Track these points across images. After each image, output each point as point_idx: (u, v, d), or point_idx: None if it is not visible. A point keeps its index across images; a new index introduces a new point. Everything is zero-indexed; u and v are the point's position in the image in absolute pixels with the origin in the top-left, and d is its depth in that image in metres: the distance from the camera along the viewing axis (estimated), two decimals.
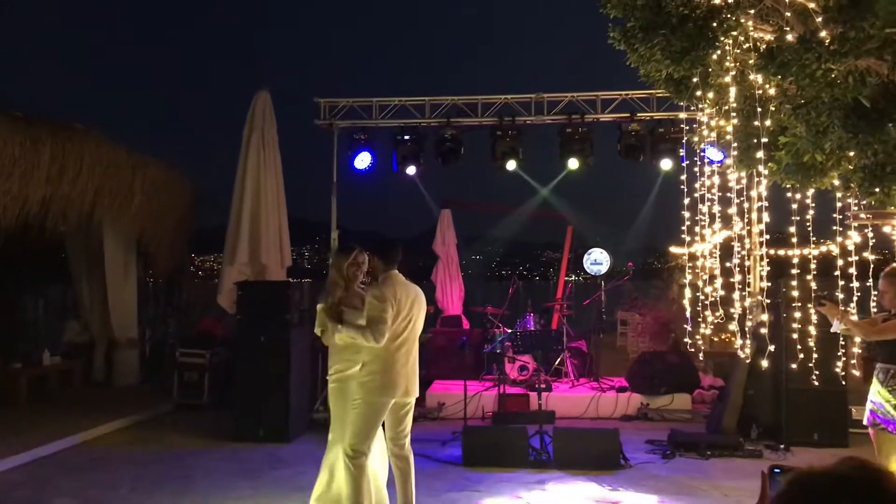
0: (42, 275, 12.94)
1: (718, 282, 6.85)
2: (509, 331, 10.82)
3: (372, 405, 5.06)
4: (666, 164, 10.48)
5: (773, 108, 5.56)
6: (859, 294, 6.23)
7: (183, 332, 12.02)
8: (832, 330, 5.69)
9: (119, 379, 11.62)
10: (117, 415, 9.19)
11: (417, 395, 5.32)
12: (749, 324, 7.85)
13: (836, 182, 5.78)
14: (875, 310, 5.87)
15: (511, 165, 10.82)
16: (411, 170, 11.03)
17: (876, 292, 6.54)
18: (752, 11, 5.04)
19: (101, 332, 11.87)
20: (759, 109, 5.54)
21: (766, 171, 5.75)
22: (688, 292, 7.44)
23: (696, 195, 7.18)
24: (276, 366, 8.33)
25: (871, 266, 6.39)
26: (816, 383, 7.26)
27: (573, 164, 10.64)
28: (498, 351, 10.31)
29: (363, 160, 11.01)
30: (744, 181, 6.74)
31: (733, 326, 6.82)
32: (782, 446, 7.79)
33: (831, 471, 1.14)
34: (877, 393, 5.13)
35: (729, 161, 6.35)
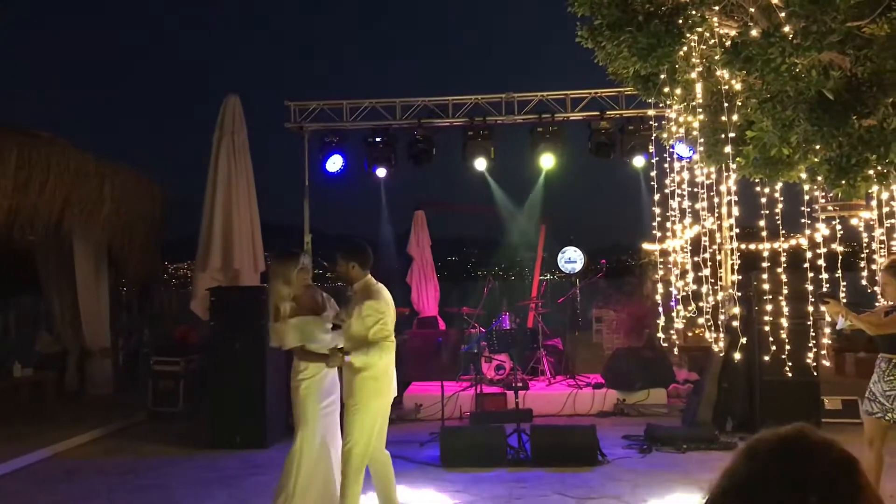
0: (11, 286, 12.75)
1: (690, 276, 6.91)
2: (485, 330, 10.85)
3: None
4: (636, 162, 10.56)
5: (740, 103, 5.62)
6: (828, 286, 6.31)
7: (156, 340, 11.90)
8: (838, 327, 5.78)
9: (92, 389, 11.47)
10: (91, 425, 9.08)
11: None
12: (722, 317, 7.93)
13: (804, 175, 5.85)
14: (879, 303, 5.97)
15: (481, 165, 10.83)
16: (382, 172, 11.00)
17: (845, 283, 6.65)
18: (717, 7, 5.08)
19: (73, 341, 11.72)
20: (725, 104, 5.59)
21: (734, 166, 5.80)
22: (660, 287, 7.49)
23: (667, 191, 7.24)
24: (251, 372, 8.27)
25: (840, 258, 6.49)
26: (789, 374, 7.34)
27: (547, 161, 10.67)
28: (474, 351, 10.32)
29: (335, 163, 10.97)
30: (713, 176, 6.80)
31: (703, 320, 6.87)
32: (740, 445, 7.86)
33: (775, 435, 1.25)
34: (875, 383, 5.27)
35: (697, 157, 6.41)
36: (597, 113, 10.67)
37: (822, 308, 5.94)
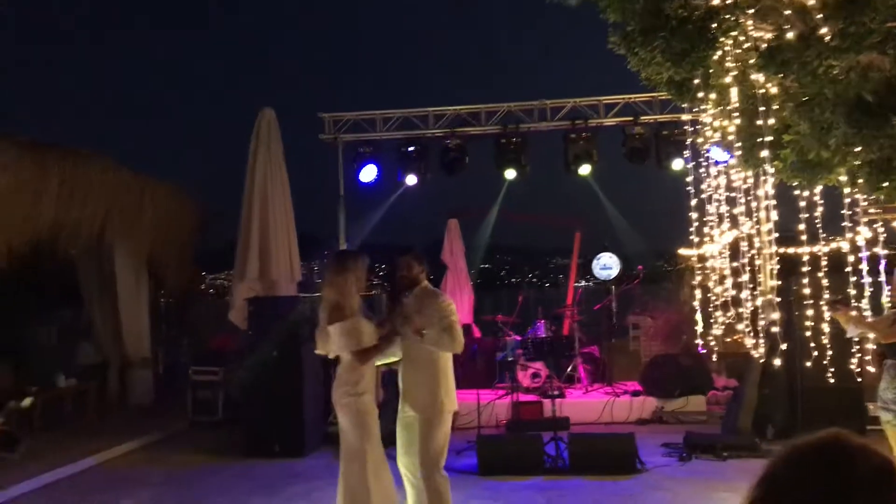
0: (54, 298, 13.00)
1: (729, 282, 6.84)
2: (520, 338, 10.82)
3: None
4: (671, 167, 10.47)
5: (776, 107, 5.55)
6: (872, 289, 6.20)
7: (195, 350, 12.04)
8: (847, 335, 5.66)
9: (133, 399, 11.65)
10: (133, 435, 9.21)
11: None
12: (761, 323, 7.82)
13: (843, 178, 5.76)
14: (889, 305, 5.84)
15: (513, 174, 10.81)
16: (415, 180, 11.03)
17: (889, 287, 6.53)
18: (751, 11, 5.04)
19: (114, 352, 11.91)
20: (761, 109, 5.52)
21: (771, 170, 5.74)
22: (698, 293, 7.42)
23: (703, 196, 7.17)
24: (289, 380, 8.35)
25: (883, 261, 6.37)
26: (832, 380, 7.22)
27: (584, 169, 10.62)
28: (510, 359, 10.30)
29: (368, 173, 11.04)
30: (750, 180, 6.73)
31: (742, 326, 6.79)
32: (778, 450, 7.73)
33: (814, 440, 1.26)
34: (885, 389, 5.13)
35: (734, 161, 6.34)
36: (630, 118, 10.62)
37: (833, 315, 5.83)
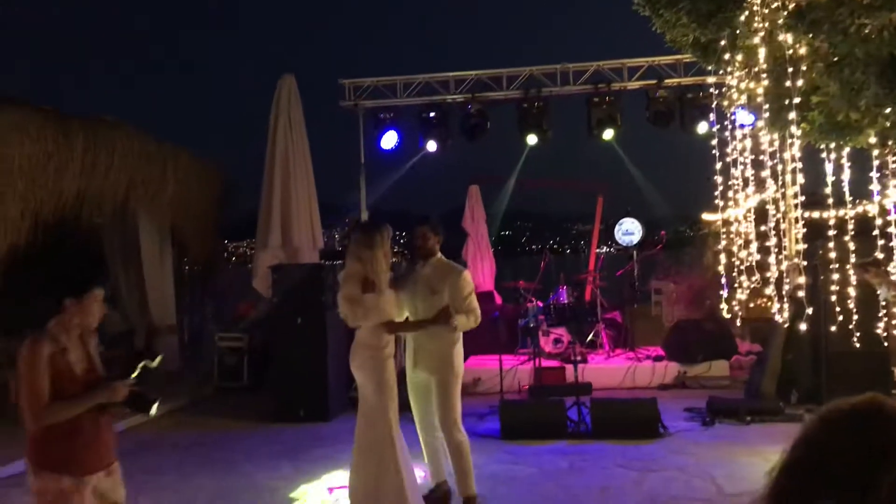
0: (80, 267, 13.16)
1: (754, 246, 6.78)
2: (542, 304, 10.82)
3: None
4: (696, 130, 10.34)
5: (805, 68, 5.46)
6: None
7: (220, 317, 12.17)
8: (881, 297, 5.60)
9: (160, 365, 11.79)
10: (160, 400, 9.32)
11: None
12: (786, 287, 7.77)
13: (873, 140, 5.68)
14: None
15: (534, 139, 10.73)
16: (436, 147, 10.97)
17: None
18: None
19: (140, 320, 12.05)
20: (789, 70, 5.44)
21: (798, 133, 5.66)
22: (723, 258, 7.37)
23: (728, 160, 7.09)
24: (313, 347, 8.42)
25: None
26: (857, 345, 7.17)
27: (608, 134, 10.52)
28: (532, 325, 10.32)
29: (390, 140, 11.00)
30: (776, 143, 6.64)
31: (770, 291, 6.74)
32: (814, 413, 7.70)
33: (850, 403, 1.26)
34: None
35: (760, 124, 6.25)
36: (654, 82, 10.47)
37: (865, 277, 5.76)
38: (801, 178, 6.41)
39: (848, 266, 6.95)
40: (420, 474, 5.50)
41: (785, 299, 6.90)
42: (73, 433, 3.29)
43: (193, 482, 6.40)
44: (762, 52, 5.61)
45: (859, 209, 7.60)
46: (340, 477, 6.13)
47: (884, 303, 6.58)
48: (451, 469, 5.35)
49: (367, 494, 4.92)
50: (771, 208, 6.78)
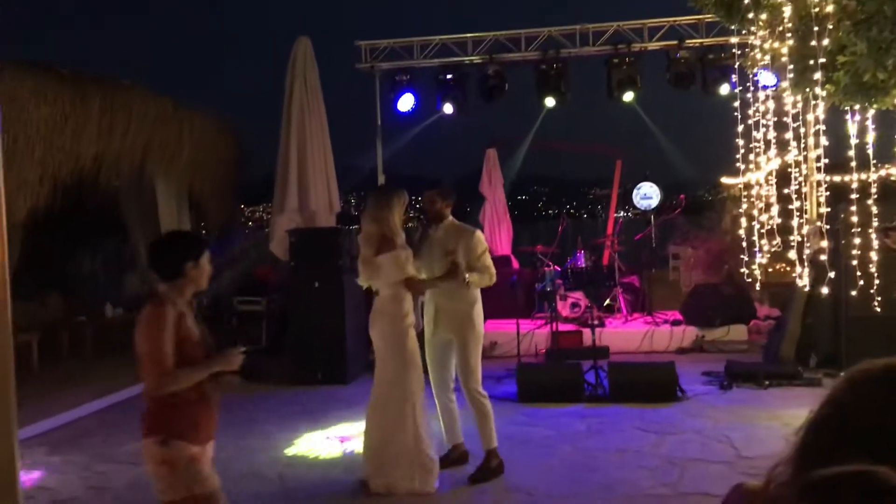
0: (98, 230, 13.23)
1: (775, 209, 6.70)
2: (560, 269, 10.79)
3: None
4: (717, 92, 10.18)
5: (831, 27, 5.34)
6: None
7: (238, 281, 12.24)
8: None
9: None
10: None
11: None
12: (807, 251, 7.70)
13: None
14: None
15: (552, 102, 10.61)
16: (453, 109, 10.87)
17: None
18: None
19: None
20: (815, 29, 5.32)
21: (823, 94, 5.56)
22: (743, 222, 7.30)
23: (750, 122, 6.99)
24: (330, 310, 8.46)
25: None
26: (878, 309, 7.11)
27: (628, 96, 10.39)
28: (549, 289, 10.30)
29: (406, 102, 10.91)
30: (799, 105, 6.53)
31: (791, 255, 6.67)
32: (842, 374, 7.67)
33: (880, 364, 1.23)
34: None
35: (784, 84, 6.14)
36: (675, 42, 10.30)
37: (887, 241, 5.67)
38: (824, 140, 6.30)
39: (870, 230, 6.87)
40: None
41: (806, 263, 6.84)
42: (200, 400, 3.28)
43: (215, 441, 6.46)
44: (787, 10, 5.49)
45: (882, 172, 7.49)
46: (360, 439, 6.19)
47: None
48: (467, 430, 5.42)
49: (382, 447, 5.03)
50: (794, 171, 6.68)
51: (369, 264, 5.03)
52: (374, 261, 4.99)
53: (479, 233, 5.37)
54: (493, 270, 5.28)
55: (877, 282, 6.83)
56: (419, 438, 5.00)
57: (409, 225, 5.58)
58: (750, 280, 7.58)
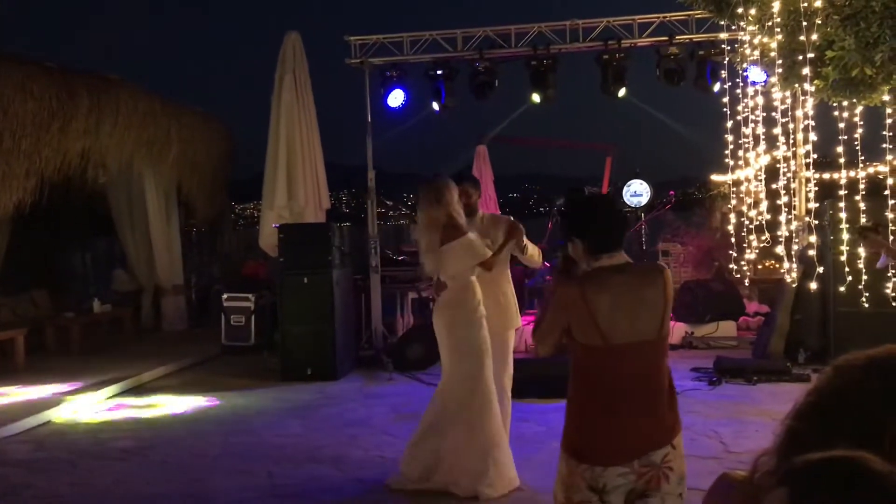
0: (87, 226, 13.18)
1: (764, 205, 6.71)
2: (549, 265, 10.78)
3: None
4: (706, 89, 10.17)
5: (820, 21, 5.35)
6: None
7: (227, 278, 12.20)
8: (878, 265, 5.52)
9: (167, 325, 11.88)
10: (168, 359, 9.39)
11: None
12: (795, 247, 7.72)
13: (887, 97, 5.58)
14: None
15: (543, 98, 10.58)
16: (439, 106, 10.82)
17: None
18: None
19: (147, 279, 12.11)
20: (804, 23, 5.33)
21: (811, 89, 5.57)
22: (732, 218, 7.31)
23: (740, 118, 6.99)
24: (320, 306, 8.43)
25: None
26: (866, 305, 7.13)
27: (622, 92, 10.37)
28: (538, 285, 10.30)
29: (396, 98, 10.85)
30: (788, 101, 6.54)
31: (779, 250, 6.69)
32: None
33: (864, 354, 1.26)
34: None
35: (773, 80, 6.15)
36: (665, 38, 10.29)
37: (864, 243, 5.64)
38: (813, 136, 6.32)
39: (851, 228, 6.89)
40: None
41: (794, 259, 6.86)
42: None
43: (203, 439, 6.44)
44: (776, 5, 5.49)
45: (870, 170, 7.51)
46: (347, 435, 6.16)
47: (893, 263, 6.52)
48: None
49: (466, 445, 4.84)
50: (782, 167, 6.70)
51: (435, 253, 4.80)
52: (441, 250, 4.76)
53: (514, 222, 5.31)
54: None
55: (864, 277, 6.85)
56: (501, 433, 4.93)
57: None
58: (739, 276, 7.60)
